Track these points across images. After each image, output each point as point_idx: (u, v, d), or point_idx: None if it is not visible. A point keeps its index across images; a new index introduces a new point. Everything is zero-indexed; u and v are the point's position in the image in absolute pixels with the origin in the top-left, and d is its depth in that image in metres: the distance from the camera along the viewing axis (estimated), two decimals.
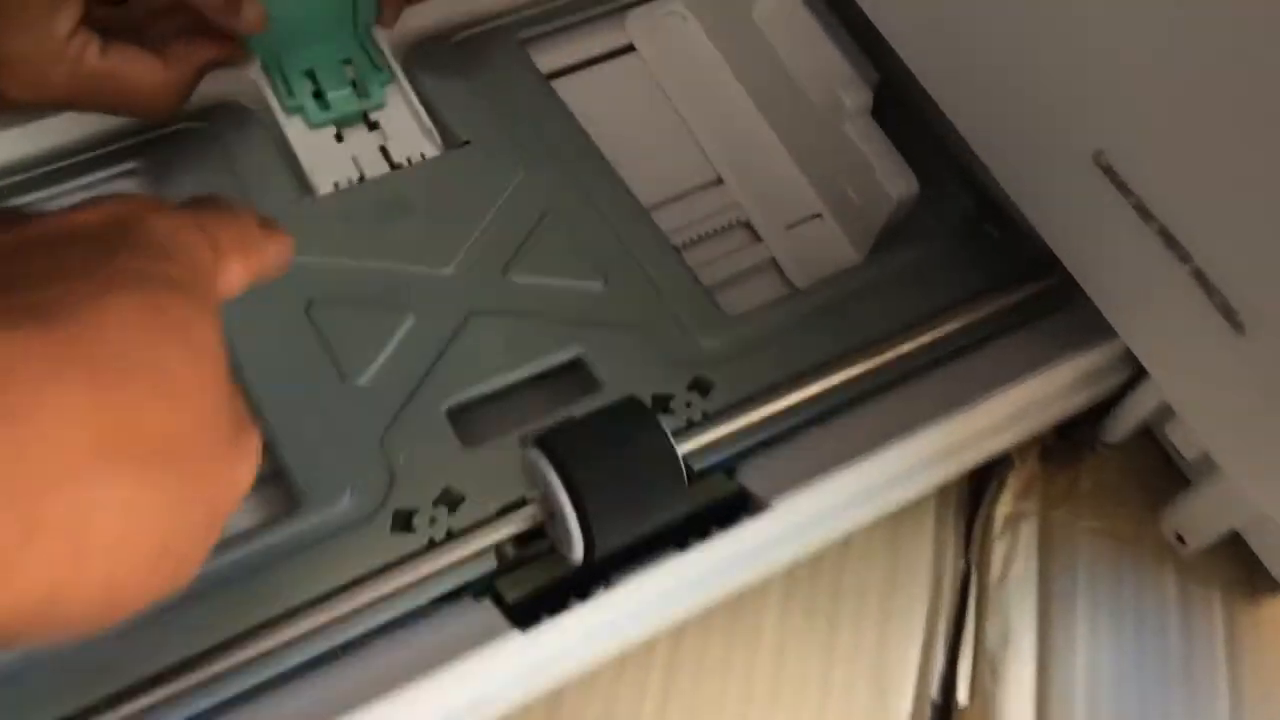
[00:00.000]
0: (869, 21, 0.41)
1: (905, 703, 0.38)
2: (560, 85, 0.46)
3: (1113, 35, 0.31)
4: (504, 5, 0.47)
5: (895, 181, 0.41)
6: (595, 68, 0.48)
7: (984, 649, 0.39)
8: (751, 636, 0.39)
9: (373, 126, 0.44)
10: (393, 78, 0.45)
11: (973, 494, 0.43)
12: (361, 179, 0.43)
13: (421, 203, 0.42)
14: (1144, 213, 0.33)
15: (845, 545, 0.40)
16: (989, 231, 0.42)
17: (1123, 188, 0.33)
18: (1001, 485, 0.43)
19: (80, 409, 0.20)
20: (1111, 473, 0.43)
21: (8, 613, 0.19)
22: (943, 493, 0.42)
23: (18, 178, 0.41)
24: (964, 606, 0.40)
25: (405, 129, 0.44)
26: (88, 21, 0.38)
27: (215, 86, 0.43)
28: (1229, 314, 0.32)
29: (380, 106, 0.45)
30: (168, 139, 0.43)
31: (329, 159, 0.43)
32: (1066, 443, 0.44)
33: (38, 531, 0.19)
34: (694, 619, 0.37)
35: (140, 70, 0.39)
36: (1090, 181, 0.34)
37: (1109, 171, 0.33)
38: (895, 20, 0.40)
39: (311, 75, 0.44)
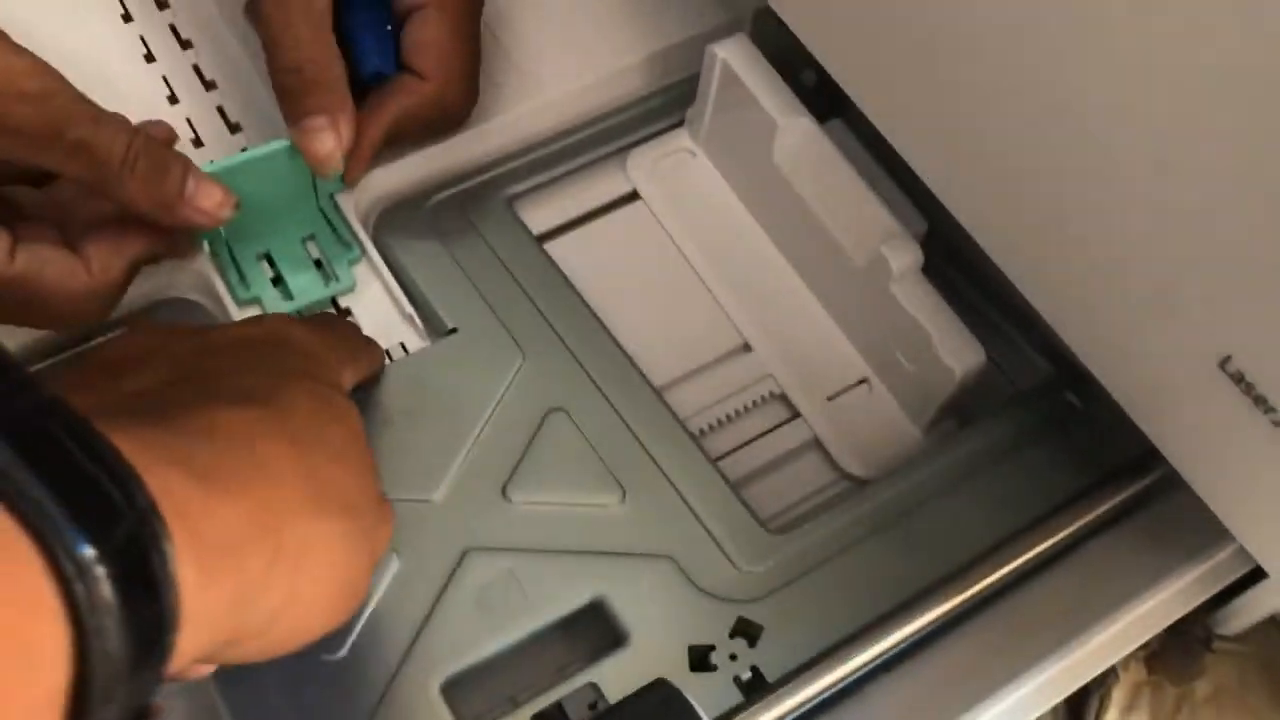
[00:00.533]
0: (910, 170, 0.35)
1: None
2: (556, 247, 0.40)
3: (1247, 220, 0.25)
4: (486, 158, 0.41)
5: (959, 355, 0.35)
6: (594, 222, 0.41)
7: None
8: None
9: (343, 314, 0.38)
10: (362, 254, 0.39)
11: (1070, 713, 0.36)
12: None
13: (401, 410, 0.36)
14: (1264, 405, 0.27)
15: None
16: (1071, 400, 0.36)
17: (1258, 399, 0.27)
18: (1106, 699, 0.36)
19: (294, 467, 0.26)
20: (1230, 672, 0.37)
21: (251, 624, 0.24)
22: None
23: None
24: None
25: (380, 316, 0.38)
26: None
27: (153, 282, 0.37)
28: None
29: (350, 289, 0.39)
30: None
31: None
32: (1177, 639, 0.37)
33: (279, 556, 0.24)
34: None
35: (58, 274, 0.33)
36: (1214, 388, 0.27)
37: (1238, 379, 0.27)
38: (939, 160, 0.33)
39: (268, 258, 0.38)
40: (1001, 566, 0.32)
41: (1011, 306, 0.37)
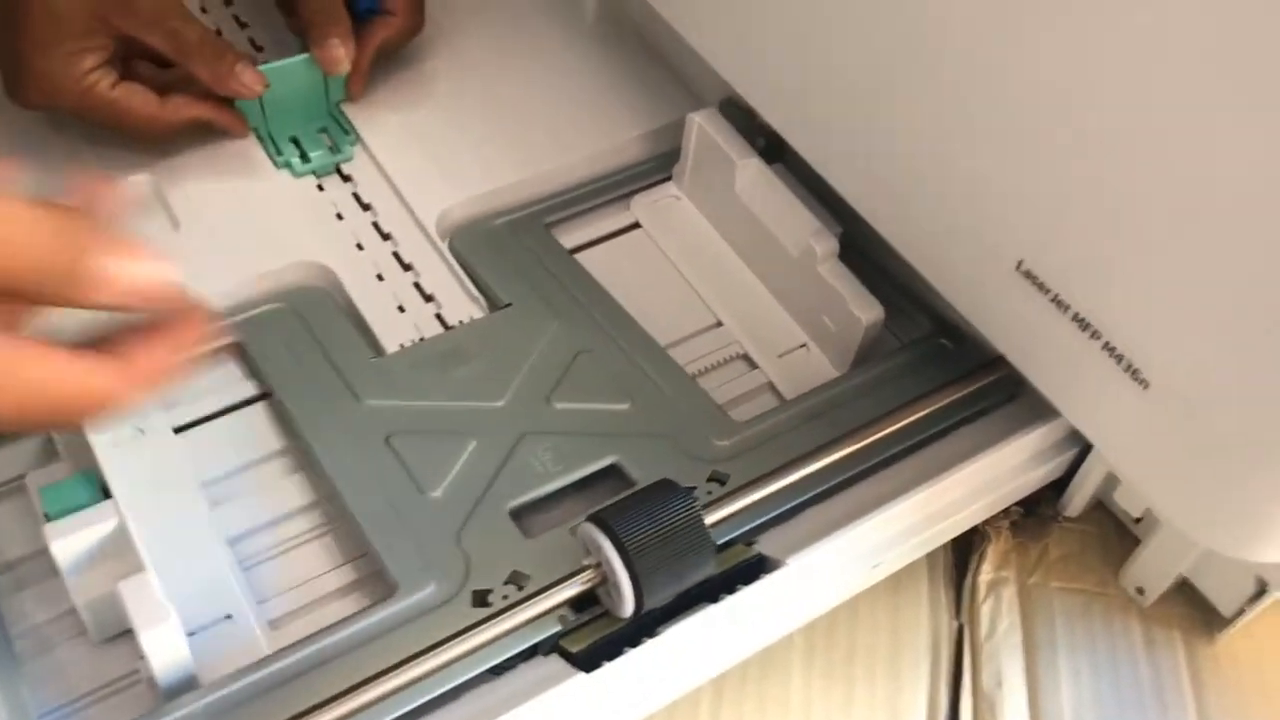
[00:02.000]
0: (829, 186, 0.51)
1: None
2: (581, 257, 0.56)
3: (1024, 164, 0.41)
4: (530, 196, 0.57)
5: (864, 309, 0.50)
6: (609, 242, 0.57)
7: (981, 691, 0.45)
8: (780, 697, 0.45)
9: (427, 298, 0.54)
10: (357, 140, 0.59)
11: (957, 566, 0.50)
12: (422, 339, 0.51)
13: (474, 353, 0.50)
14: (1060, 305, 0.42)
15: (853, 613, 0.47)
16: (944, 344, 0.51)
17: (1041, 287, 0.42)
18: (981, 557, 0.50)
19: None
20: (1074, 542, 0.50)
21: None
22: (932, 567, 0.49)
23: None
24: (960, 658, 0.47)
25: (454, 296, 0.53)
26: (128, 71, 0.52)
27: (292, 276, 0.53)
28: (1135, 374, 0.40)
29: (349, 159, 0.57)
30: (259, 318, 0.51)
31: (394, 324, 0.52)
32: (1033, 518, 0.51)
33: None
34: (730, 684, 0.44)
35: (138, 105, 0.53)
36: (1016, 286, 0.43)
37: (1029, 276, 0.42)
38: (849, 182, 0.50)
39: (295, 140, 0.58)
40: (886, 428, 0.46)
41: (900, 284, 0.52)
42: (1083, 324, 0.41)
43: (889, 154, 0.47)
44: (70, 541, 0.40)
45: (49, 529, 0.40)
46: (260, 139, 0.58)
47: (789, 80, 0.50)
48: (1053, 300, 0.42)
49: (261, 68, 0.55)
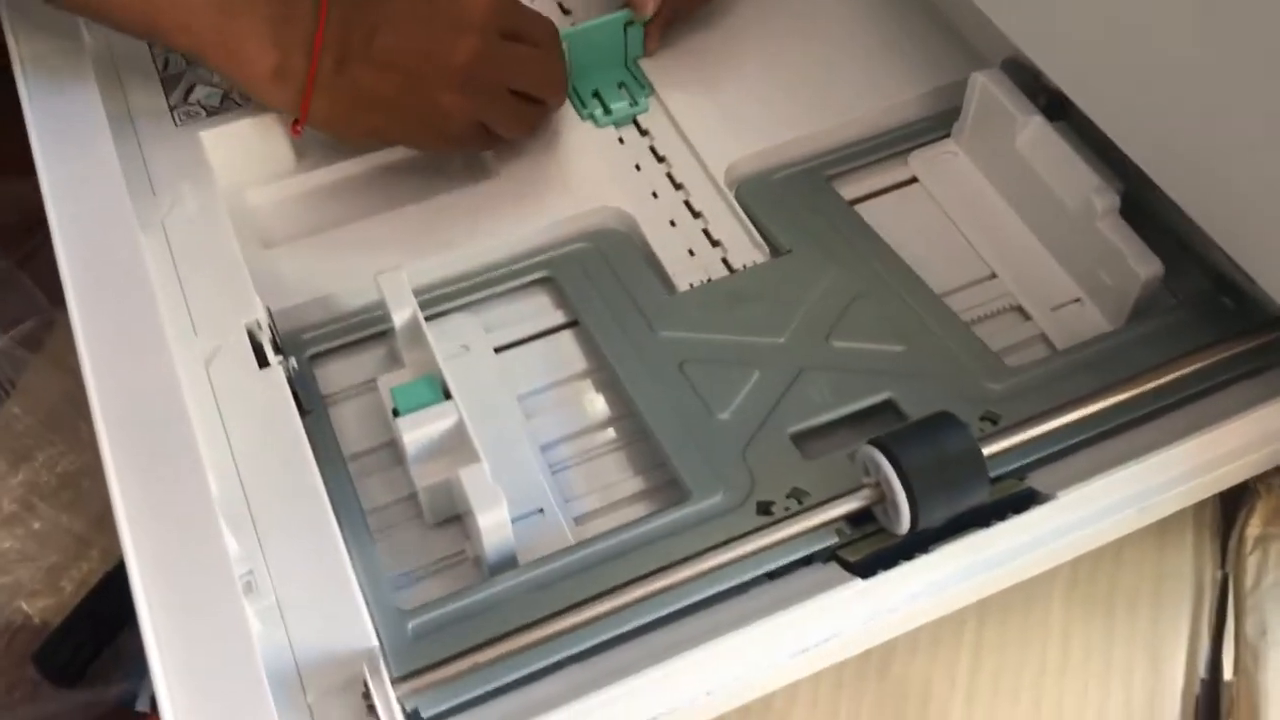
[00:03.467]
0: (1112, 144, 0.52)
1: (1178, 677, 0.46)
2: (860, 209, 0.59)
3: None
4: (812, 151, 0.61)
5: (1143, 265, 0.51)
6: (887, 195, 0.60)
7: (1244, 639, 0.46)
8: (1042, 620, 0.47)
9: (714, 243, 0.58)
10: (652, 93, 0.64)
11: (1225, 518, 0.51)
12: (710, 280, 0.56)
13: (757, 293, 0.55)
14: None
15: (1118, 555, 0.49)
16: (1225, 303, 0.52)
17: None
18: (1250, 511, 0.50)
19: None
20: None
21: None
22: (1199, 516, 0.50)
23: (459, 286, 0.57)
24: (1223, 606, 0.48)
25: (739, 242, 0.58)
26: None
27: (596, 219, 0.58)
28: None
29: (645, 111, 0.62)
30: (568, 256, 0.57)
31: (685, 266, 0.57)
32: None
33: None
34: (994, 606, 0.46)
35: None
36: None
37: None
38: (1135, 140, 0.51)
39: (597, 94, 0.64)
40: (1160, 378, 0.48)
41: (1181, 241, 0.53)
42: None
43: (1178, 111, 0.47)
44: (418, 434, 0.47)
45: (401, 422, 0.47)
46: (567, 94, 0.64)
47: (1075, 39, 0.52)
48: None
49: (567, 32, 0.61)
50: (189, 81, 0.59)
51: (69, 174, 0.52)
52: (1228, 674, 0.45)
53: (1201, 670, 0.46)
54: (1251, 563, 0.49)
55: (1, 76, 0.55)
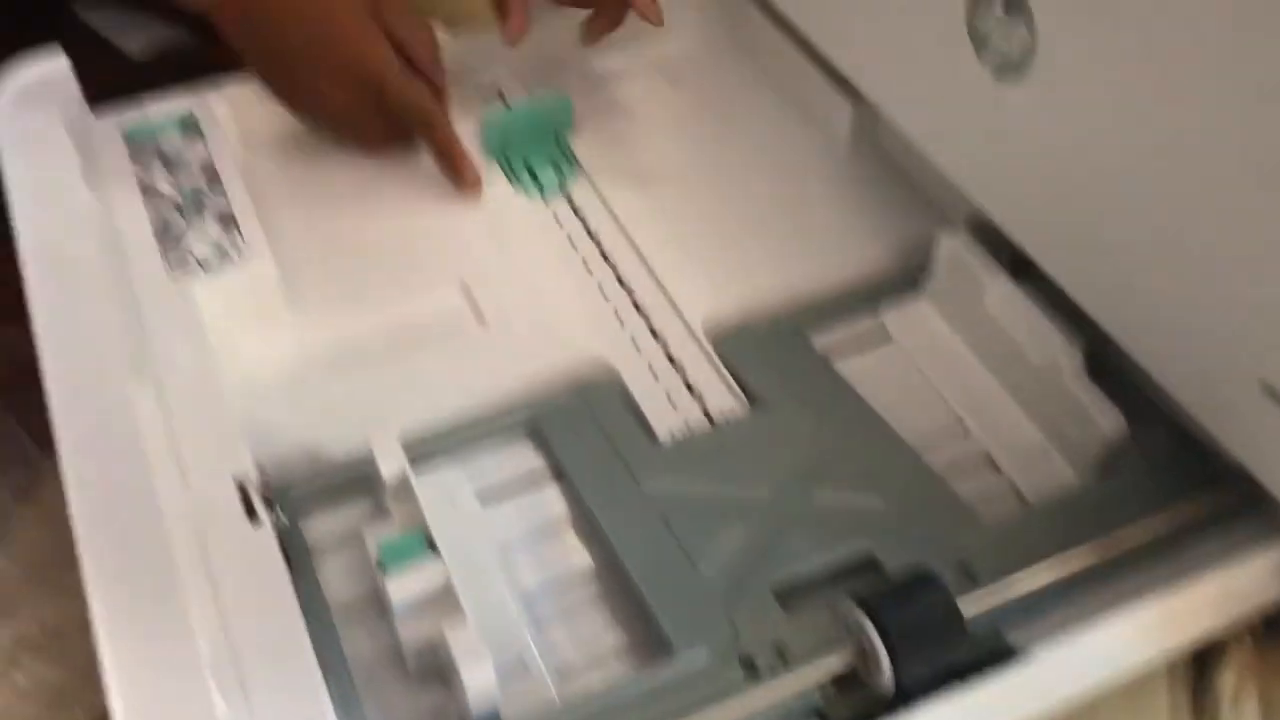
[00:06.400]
0: (1073, 303, 0.54)
1: None
2: (835, 362, 0.61)
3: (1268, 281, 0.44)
4: (789, 305, 0.63)
5: (1108, 420, 0.53)
6: (860, 349, 0.62)
7: None
8: None
9: (694, 394, 0.60)
10: (578, 168, 0.71)
11: (1197, 676, 0.51)
12: (690, 431, 0.57)
13: (737, 445, 0.56)
14: None
15: (1093, 715, 0.49)
16: (1187, 456, 0.53)
17: None
18: (1223, 666, 0.51)
19: None
20: None
21: None
22: (1171, 677, 0.51)
23: (444, 436, 0.58)
24: None
25: (718, 394, 0.59)
26: None
27: (579, 369, 0.60)
28: None
29: (572, 180, 0.70)
30: (552, 405, 0.58)
31: (666, 416, 0.58)
32: (1276, 630, 0.52)
33: None
34: None
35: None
36: (1260, 403, 0.45)
37: (1273, 395, 0.45)
38: (1093, 298, 0.53)
39: (528, 166, 0.71)
40: (1129, 532, 0.49)
41: (1144, 396, 0.55)
42: None
43: (1137, 272, 0.50)
44: (405, 590, 0.47)
45: (388, 578, 0.47)
46: (495, 161, 0.71)
47: (1033, 200, 0.55)
48: None
49: (493, 115, 0.71)
50: (183, 236, 0.61)
51: (63, 324, 0.53)
52: None
53: None
54: (1227, 717, 0.49)
55: None
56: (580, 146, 0.72)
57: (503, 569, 0.52)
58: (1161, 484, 0.52)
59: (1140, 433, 0.54)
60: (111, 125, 0.68)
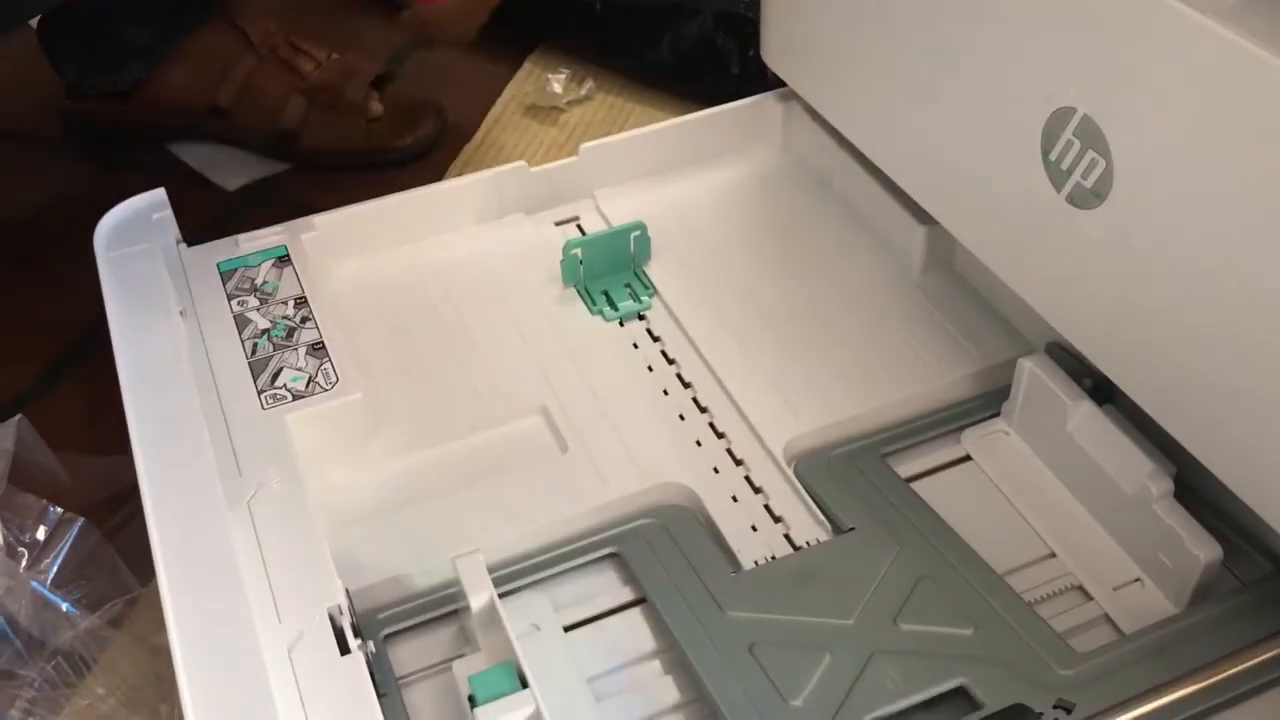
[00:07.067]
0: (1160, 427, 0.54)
1: None
2: (917, 486, 0.61)
3: None
4: (867, 429, 0.63)
5: (1202, 548, 0.52)
6: (942, 473, 0.62)
7: None
8: None
9: (776, 519, 0.60)
10: (655, 293, 0.73)
11: None
12: (774, 558, 0.57)
13: (822, 572, 0.56)
14: None
15: None
16: None
17: None
18: None
19: None
20: None
21: None
22: None
23: (528, 563, 0.58)
24: None
25: (801, 520, 0.59)
26: None
27: (660, 495, 0.60)
28: None
29: (648, 308, 0.71)
30: (634, 532, 0.59)
31: (748, 542, 0.58)
32: None
33: None
34: None
35: None
36: None
37: None
38: (1182, 424, 0.53)
39: (606, 294, 0.72)
40: (1230, 669, 0.48)
41: (1238, 523, 0.54)
42: None
43: (1222, 396, 0.50)
44: None
45: (480, 712, 0.47)
46: (578, 291, 0.73)
47: (1115, 326, 0.55)
48: None
49: (580, 240, 0.73)
50: (276, 366, 0.63)
51: (162, 455, 0.55)
52: None
53: None
54: None
55: (95, 364, 0.59)
56: (656, 271, 0.73)
57: (590, 700, 0.52)
58: (1261, 611, 0.51)
59: (1237, 557, 0.54)
60: (207, 258, 0.71)
